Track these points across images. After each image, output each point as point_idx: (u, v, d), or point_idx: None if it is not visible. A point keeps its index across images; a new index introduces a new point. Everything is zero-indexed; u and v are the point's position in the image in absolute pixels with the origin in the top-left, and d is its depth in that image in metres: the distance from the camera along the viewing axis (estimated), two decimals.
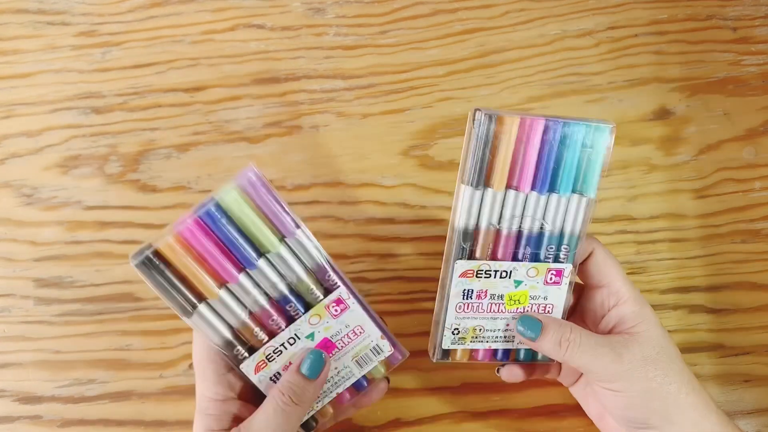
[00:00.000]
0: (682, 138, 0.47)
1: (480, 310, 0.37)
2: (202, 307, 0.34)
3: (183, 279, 0.33)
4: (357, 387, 0.38)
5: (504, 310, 0.37)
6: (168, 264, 0.33)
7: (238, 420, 0.35)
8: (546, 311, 0.37)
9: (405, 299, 0.45)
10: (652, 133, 0.47)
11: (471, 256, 0.36)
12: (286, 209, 0.34)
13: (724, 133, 0.47)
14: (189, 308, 0.34)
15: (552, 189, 0.35)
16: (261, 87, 0.47)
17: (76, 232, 0.46)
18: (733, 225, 0.46)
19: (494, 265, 0.36)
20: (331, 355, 0.36)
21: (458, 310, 0.36)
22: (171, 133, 0.47)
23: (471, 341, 0.37)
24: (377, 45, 0.48)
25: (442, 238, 0.46)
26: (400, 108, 0.47)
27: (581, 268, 0.38)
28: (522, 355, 0.38)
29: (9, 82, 0.47)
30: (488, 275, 0.36)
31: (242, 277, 0.34)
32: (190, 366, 0.44)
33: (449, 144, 0.47)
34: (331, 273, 0.35)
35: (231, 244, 0.33)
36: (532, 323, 0.36)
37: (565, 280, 0.36)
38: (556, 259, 0.36)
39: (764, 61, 0.48)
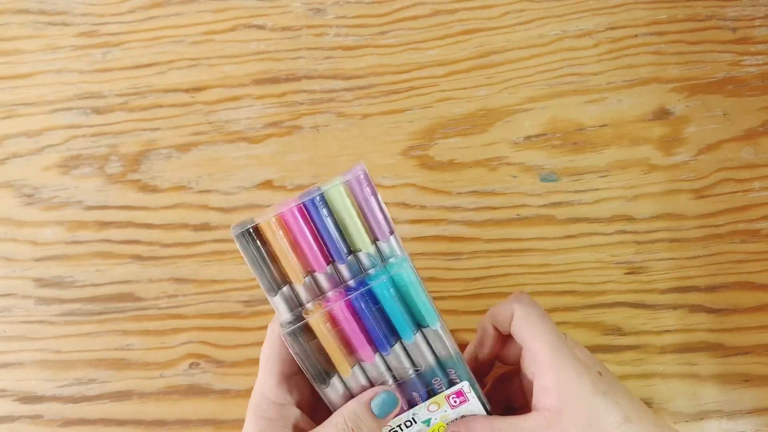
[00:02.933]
0: (682, 138, 0.47)
1: None
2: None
3: (274, 259, 0.34)
4: None
5: None
6: (264, 242, 0.33)
7: (296, 429, 0.34)
8: None
9: None
10: (652, 133, 0.47)
11: None
12: (386, 214, 0.34)
13: (724, 133, 0.47)
14: (275, 287, 0.34)
15: (397, 339, 0.35)
16: (261, 87, 0.47)
17: (76, 232, 0.46)
18: (732, 225, 0.46)
19: (394, 421, 0.35)
20: None
21: None
22: (171, 133, 0.47)
23: None
24: (377, 45, 0.48)
25: (442, 238, 0.46)
26: (400, 108, 0.47)
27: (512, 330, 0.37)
28: None
29: (10, 82, 0.47)
30: None
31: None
32: (191, 366, 0.44)
33: (449, 144, 0.47)
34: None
35: (326, 235, 0.33)
36: None
37: (470, 395, 0.36)
38: (451, 384, 0.36)
39: (764, 62, 0.48)
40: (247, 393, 0.44)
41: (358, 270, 0.34)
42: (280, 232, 0.33)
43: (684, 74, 0.48)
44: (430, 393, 0.36)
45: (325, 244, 0.34)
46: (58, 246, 0.46)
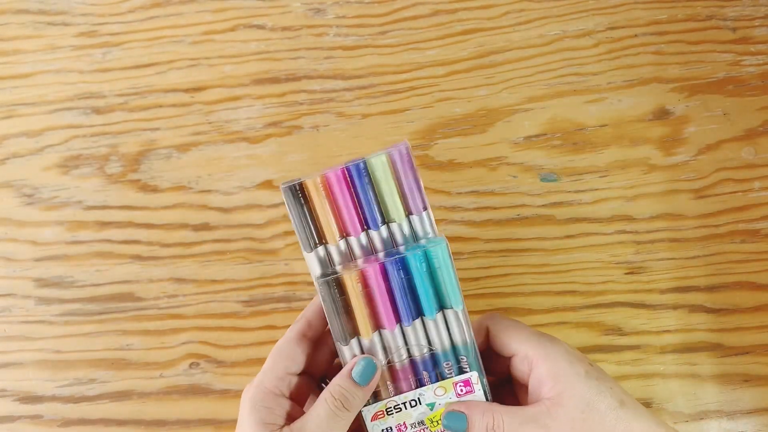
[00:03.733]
0: (682, 138, 0.47)
1: None
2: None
3: (314, 218, 0.36)
4: None
5: None
6: (307, 199, 0.35)
7: (288, 417, 0.35)
8: None
9: None
10: (652, 133, 0.47)
11: (376, 398, 0.36)
12: (421, 190, 0.36)
13: (724, 133, 0.47)
14: (312, 244, 0.36)
15: (418, 315, 0.36)
16: (261, 87, 0.47)
17: (76, 232, 0.46)
18: (732, 225, 0.46)
19: (400, 398, 0.36)
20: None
21: None
22: (171, 133, 0.47)
23: None
24: (377, 45, 0.48)
25: None
26: (400, 108, 0.47)
27: (489, 346, 0.38)
28: None
29: (10, 83, 0.47)
30: (398, 409, 0.36)
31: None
32: (191, 366, 0.44)
33: (449, 144, 0.47)
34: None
35: (364, 201, 0.36)
36: (457, 418, 0.36)
37: (477, 386, 0.36)
38: (460, 371, 0.37)
39: (764, 62, 0.48)
40: None
41: (390, 244, 0.36)
42: (323, 192, 0.35)
43: (684, 74, 0.48)
44: (439, 376, 0.37)
45: (362, 210, 0.36)
46: (58, 246, 0.46)
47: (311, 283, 0.45)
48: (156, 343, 0.45)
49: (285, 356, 0.36)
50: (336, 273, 0.35)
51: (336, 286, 0.35)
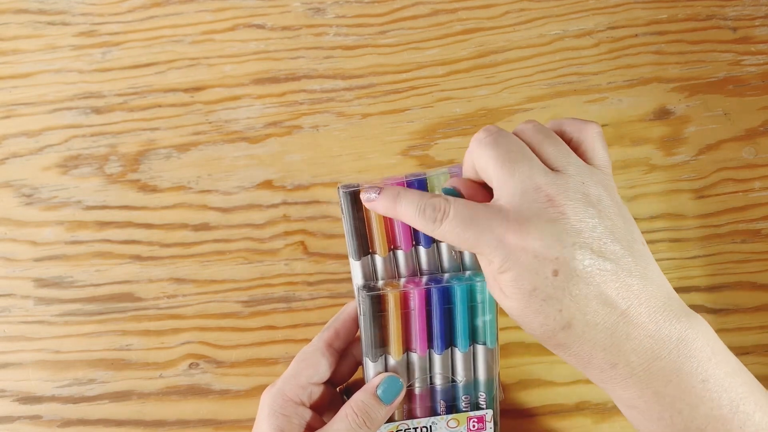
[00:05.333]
0: (682, 138, 0.47)
1: None
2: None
3: (366, 226, 0.35)
4: None
5: None
6: (362, 206, 0.35)
7: (308, 427, 0.35)
8: None
9: None
10: (652, 133, 0.47)
11: (389, 419, 0.36)
12: None
13: (724, 133, 0.47)
14: (360, 252, 0.35)
15: (450, 345, 0.36)
16: (261, 87, 0.47)
17: (76, 232, 0.46)
18: (733, 225, 0.46)
19: (412, 423, 0.36)
20: None
21: None
22: (171, 133, 0.47)
23: None
24: (377, 45, 0.48)
25: None
26: (400, 108, 0.47)
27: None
28: None
29: (9, 82, 0.47)
30: None
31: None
32: (190, 366, 0.44)
33: (449, 144, 0.47)
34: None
35: None
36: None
37: (489, 425, 0.36)
38: (476, 407, 0.36)
39: (764, 61, 0.48)
40: (247, 393, 0.44)
41: (436, 266, 0.36)
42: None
43: (684, 74, 0.48)
44: (454, 409, 0.36)
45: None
46: (57, 246, 0.46)
47: (312, 283, 0.45)
48: (156, 344, 0.45)
49: (309, 365, 0.35)
50: (379, 288, 0.35)
51: (378, 301, 0.34)
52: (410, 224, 0.32)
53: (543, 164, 0.30)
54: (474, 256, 0.36)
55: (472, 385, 0.36)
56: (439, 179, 0.35)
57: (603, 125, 0.47)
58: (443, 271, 0.36)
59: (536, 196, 0.29)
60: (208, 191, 0.46)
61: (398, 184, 0.35)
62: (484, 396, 0.36)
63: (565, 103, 0.47)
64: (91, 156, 0.47)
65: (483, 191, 0.33)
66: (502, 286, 0.29)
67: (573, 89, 0.48)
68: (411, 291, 0.34)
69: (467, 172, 0.33)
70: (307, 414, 0.35)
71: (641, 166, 0.47)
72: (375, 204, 0.33)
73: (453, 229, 0.30)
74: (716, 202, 0.47)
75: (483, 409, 0.36)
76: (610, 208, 0.30)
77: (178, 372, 0.44)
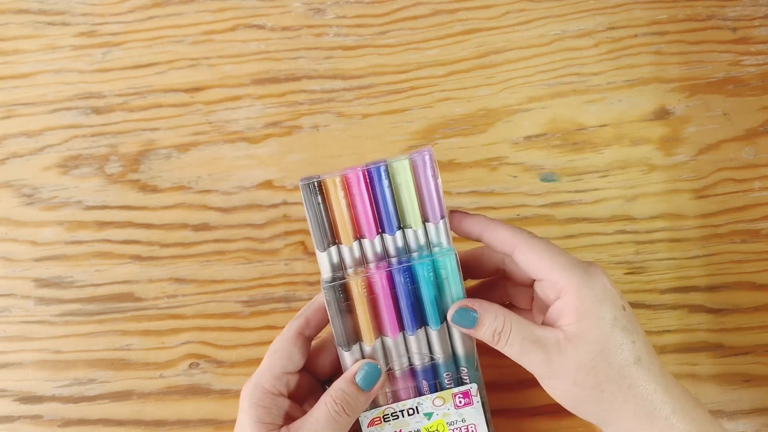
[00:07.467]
0: (682, 138, 0.47)
1: None
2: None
3: (330, 217, 0.35)
4: None
5: None
6: (325, 198, 0.35)
7: (286, 416, 0.35)
8: None
9: None
10: (652, 133, 0.47)
11: (374, 404, 0.36)
12: (441, 199, 0.35)
13: (724, 133, 0.47)
14: (325, 243, 0.35)
15: (422, 324, 0.36)
16: (261, 87, 0.47)
17: (76, 232, 0.46)
18: (732, 225, 0.46)
19: (398, 405, 0.36)
20: None
21: None
22: (171, 133, 0.47)
23: None
24: (377, 45, 0.48)
25: None
26: (400, 108, 0.47)
27: (514, 262, 0.36)
28: None
29: (9, 82, 0.47)
30: (396, 417, 0.36)
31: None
32: (190, 366, 0.44)
33: (449, 144, 0.47)
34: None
35: (382, 204, 0.35)
36: (467, 315, 0.35)
37: (476, 399, 0.36)
38: (460, 383, 0.36)
39: (764, 62, 0.48)
40: None
41: (404, 250, 0.36)
42: (342, 192, 0.35)
43: (684, 74, 0.48)
44: (438, 386, 0.36)
45: (379, 214, 0.35)
46: (57, 246, 0.46)
47: (312, 283, 0.45)
48: (156, 343, 0.45)
49: (282, 355, 0.36)
50: (341, 277, 0.35)
51: (342, 290, 0.35)
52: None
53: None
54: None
55: (452, 361, 0.36)
56: (400, 165, 0.35)
57: (603, 125, 0.47)
58: (411, 253, 0.36)
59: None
60: (208, 191, 0.46)
61: (359, 172, 0.35)
62: (466, 371, 0.36)
63: (565, 104, 0.47)
64: (91, 156, 0.47)
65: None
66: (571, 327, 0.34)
67: (573, 89, 0.48)
68: (373, 275, 0.35)
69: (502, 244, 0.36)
70: (286, 404, 0.35)
71: (641, 166, 0.47)
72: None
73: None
74: (716, 202, 0.47)
75: (467, 384, 0.36)
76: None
77: (178, 372, 0.44)
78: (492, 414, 0.44)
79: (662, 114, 0.48)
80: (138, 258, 0.46)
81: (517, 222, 0.46)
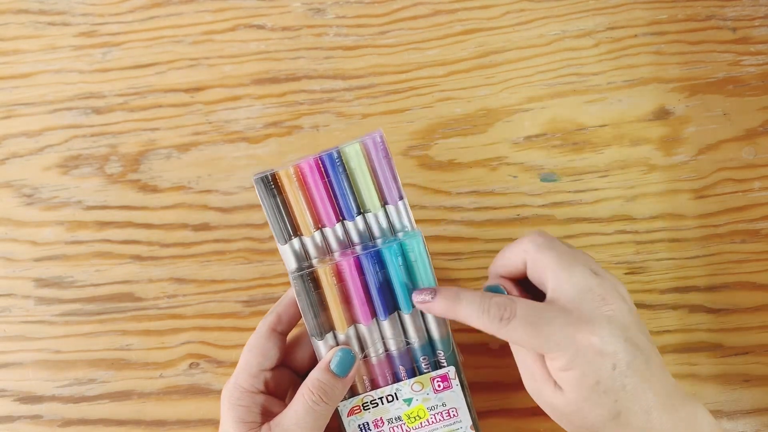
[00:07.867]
0: (682, 138, 0.47)
1: None
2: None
3: (288, 210, 0.35)
4: None
5: (408, 429, 0.37)
6: (280, 191, 0.35)
7: (267, 413, 0.35)
8: (451, 416, 0.37)
9: None
10: (652, 133, 0.47)
11: (353, 393, 0.36)
12: (396, 179, 0.35)
13: (724, 133, 0.47)
14: (286, 236, 0.35)
15: (395, 309, 0.36)
16: (261, 87, 0.47)
17: (76, 232, 0.46)
18: (732, 225, 0.46)
19: (377, 393, 0.36)
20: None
21: None
22: (171, 133, 0.47)
23: None
24: (377, 45, 0.48)
25: (442, 238, 0.46)
26: (400, 108, 0.47)
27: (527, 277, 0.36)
28: None
29: (9, 82, 0.47)
30: (375, 404, 0.36)
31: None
32: (190, 366, 0.44)
33: (449, 144, 0.47)
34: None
35: (339, 191, 0.35)
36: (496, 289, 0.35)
37: (455, 382, 0.36)
38: (437, 366, 0.36)
39: (764, 62, 0.48)
40: None
41: (367, 237, 0.36)
42: (296, 183, 0.35)
43: (684, 74, 0.48)
44: (416, 371, 0.36)
45: (337, 201, 0.35)
46: (57, 246, 0.46)
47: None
48: (156, 343, 0.45)
49: (257, 353, 0.36)
50: (311, 267, 0.35)
51: (310, 280, 0.34)
52: (471, 325, 0.33)
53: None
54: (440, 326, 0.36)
55: (428, 344, 0.36)
56: (352, 149, 0.34)
57: (603, 125, 0.47)
58: (374, 238, 0.36)
59: (592, 296, 0.32)
60: (208, 191, 0.46)
61: (311, 161, 0.35)
62: (443, 354, 0.36)
63: (565, 104, 0.47)
64: (91, 156, 0.47)
65: (519, 288, 0.36)
66: (562, 382, 0.32)
67: (573, 89, 0.48)
68: (341, 262, 0.34)
69: (510, 266, 0.36)
70: (267, 401, 0.36)
71: (641, 166, 0.47)
72: (431, 306, 0.34)
73: (521, 329, 0.32)
74: (716, 202, 0.47)
75: (444, 367, 0.36)
76: (631, 302, 0.34)
77: (178, 372, 0.44)
78: (491, 414, 0.44)
79: (662, 114, 0.48)
80: (138, 258, 0.46)
81: (517, 222, 0.46)
